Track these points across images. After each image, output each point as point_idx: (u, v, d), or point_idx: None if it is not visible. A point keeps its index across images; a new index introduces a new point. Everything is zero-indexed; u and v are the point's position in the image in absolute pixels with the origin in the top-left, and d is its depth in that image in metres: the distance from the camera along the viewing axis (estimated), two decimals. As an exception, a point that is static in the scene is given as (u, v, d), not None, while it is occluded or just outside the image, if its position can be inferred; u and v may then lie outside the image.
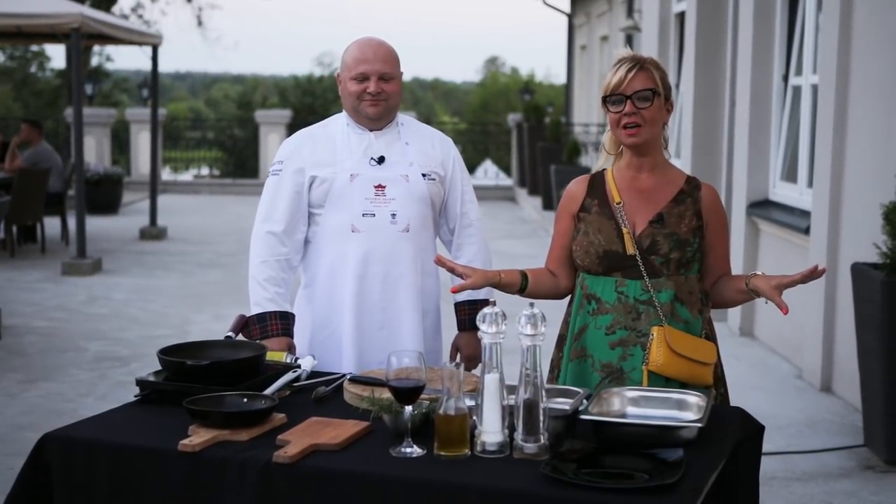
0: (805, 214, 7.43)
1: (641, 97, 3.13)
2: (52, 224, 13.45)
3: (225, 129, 27.77)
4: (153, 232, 14.11)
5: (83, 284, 10.54)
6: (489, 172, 27.33)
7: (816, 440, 5.82)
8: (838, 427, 6.07)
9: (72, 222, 12.23)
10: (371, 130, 3.65)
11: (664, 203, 3.22)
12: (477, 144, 26.90)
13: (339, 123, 3.70)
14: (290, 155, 3.65)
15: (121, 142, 22.52)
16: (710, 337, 3.25)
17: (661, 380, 3.08)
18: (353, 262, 3.56)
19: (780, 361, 7.61)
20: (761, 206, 8.31)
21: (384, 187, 3.57)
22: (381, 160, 3.60)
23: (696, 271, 3.24)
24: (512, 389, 2.64)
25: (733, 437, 2.84)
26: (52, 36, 13.06)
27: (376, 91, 3.56)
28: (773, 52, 8.41)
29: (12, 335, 8.19)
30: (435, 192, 3.66)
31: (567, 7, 24.02)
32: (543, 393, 2.57)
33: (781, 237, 7.89)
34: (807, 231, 7.17)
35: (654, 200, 3.23)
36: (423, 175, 3.62)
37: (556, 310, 3.47)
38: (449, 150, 3.75)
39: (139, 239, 13.99)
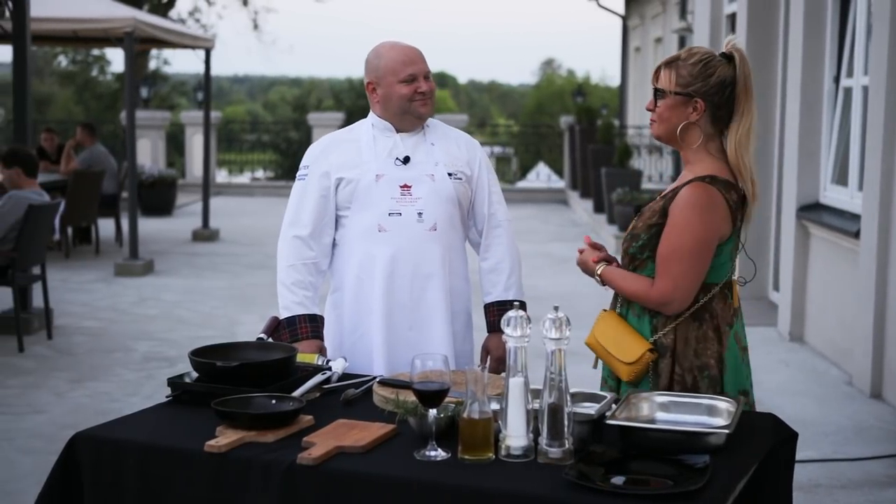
0: (855, 218, 7.32)
1: (657, 94, 3.19)
2: (106, 226, 13.63)
3: (280, 132, 27.97)
4: (205, 234, 14.24)
5: (134, 285, 10.66)
6: (541, 175, 27.28)
7: (864, 447, 5.72)
8: (886, 434, 5.97)
9: (125, 224, 12.38)
10: (398, 132, 3.65)
11: (660, 200, 3.19)
12: (529, 147, 26.83)
13: (364, 127, 3.71)
14: (315, 159, 3.67)
15: (177, 144, 22.74)
16: (708, 348, 3.07)
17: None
18: (381, 261, 3.56)
19: (829, 367, 7.50)
20: (811, 210, 8.20)
21: (410, 187, 3.57)
22: (406, 160, 3.61)
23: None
24: (537, 393, 2.62)
25: (764, 443, 2.80)
26: (107, 40, 13.21)
27: (428, 90, 3.61)
28: (824, 54, 8.29)
29: (62, 335, 8.30)
30: (462, 192, 3.65)
31: (621, 9, 23.92)
32: (568, 397, 2.56)
33: (832, 241, 7.79)
34: (857, 235, 7.07)
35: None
36: (450, 174, 3.63)
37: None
38: (475, 151, 3.75)
39: (191, 241, 14.12)
